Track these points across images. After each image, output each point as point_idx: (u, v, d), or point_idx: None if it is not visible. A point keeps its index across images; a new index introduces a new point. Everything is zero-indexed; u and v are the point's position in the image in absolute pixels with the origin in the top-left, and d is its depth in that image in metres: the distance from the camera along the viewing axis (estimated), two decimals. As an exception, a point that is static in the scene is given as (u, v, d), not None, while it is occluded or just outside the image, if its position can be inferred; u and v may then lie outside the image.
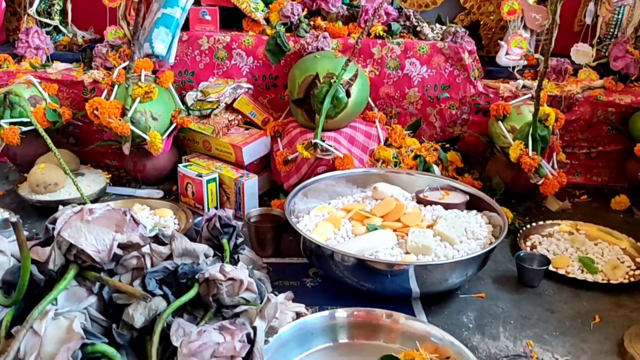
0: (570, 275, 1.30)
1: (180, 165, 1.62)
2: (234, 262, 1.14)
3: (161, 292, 0.90)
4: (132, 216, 0.96)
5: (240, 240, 1.16)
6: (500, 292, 1.25)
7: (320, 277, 1.29)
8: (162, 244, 0.97)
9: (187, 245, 0.95)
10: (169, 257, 0.94)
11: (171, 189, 1.71)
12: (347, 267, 1.14)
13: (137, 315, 0.86)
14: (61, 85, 1.79)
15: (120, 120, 1.54)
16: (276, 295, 1.11)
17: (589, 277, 1.29)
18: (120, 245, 0.92)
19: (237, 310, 0.92)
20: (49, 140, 1.43)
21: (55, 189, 1.54)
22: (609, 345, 1.08)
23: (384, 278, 1.13)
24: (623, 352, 1.05)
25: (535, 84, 1.52)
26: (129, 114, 1.55)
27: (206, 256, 1.04)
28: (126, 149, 1.56)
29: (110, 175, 1.73)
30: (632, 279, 1.29)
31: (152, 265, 0.93)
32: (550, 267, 1.30)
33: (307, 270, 1.32)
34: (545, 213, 1.64)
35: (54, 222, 0.91)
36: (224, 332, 0.84)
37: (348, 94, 1.55)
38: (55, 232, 0.88)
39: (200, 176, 1.54)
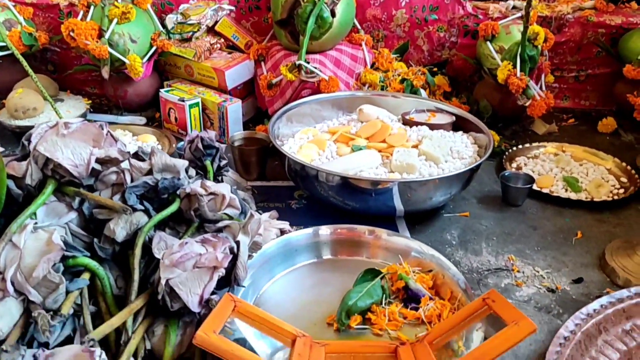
0: (554, 194, 1.30)
1: (162, 90, 1.58)
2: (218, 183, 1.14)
3: (142, 207, 0.89)
4: (109, 132, 0.94)
5: (223, 162, 1.15)
6: (484, 211, 1.26)
7: (306, 199, 1.29)
8: (142, 160, 0.95)
9: (167, 160, 0.93)
10: (149, 172, 0.93)
11: (154, 116, 1.68)
12: (331, 187, 1.14)
13: (119, 229, 0.86)
14: (36, 9, 1.73)
15: (97, 42, 1.49)
16: (260, 214, 1.11)
17: (573, 196, 1.30)
18: (98, 160, 0.91)
19: (220, 225, 0.92)
20: (25, 64, 1.38)
21: (34, 114, 1.50)
22: (590, 258, 1.10)
23: (368, 197, 1.13)
24: (604, 265, 1.07)
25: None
26: (106, 36, 1.50)
27: (188, 174, 1.03)
28: (105, 72, 1.52)
29: (90, 102, 1.70)
30: (615, 197, 1.30)
31: (132, 181, 0.92)
32: (535, 187, 1.31)
33: (293, 193, 1.32)
34: (531, 136, 1.63)
35: (29, 138, 0.89)
36: (206, 244, 0.83)
37: (333, 14, 1.50)
38: (31, 147, 0.86)
39: (183, 101, 1.51)
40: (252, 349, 0.82)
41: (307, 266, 1.02)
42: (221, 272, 0.81)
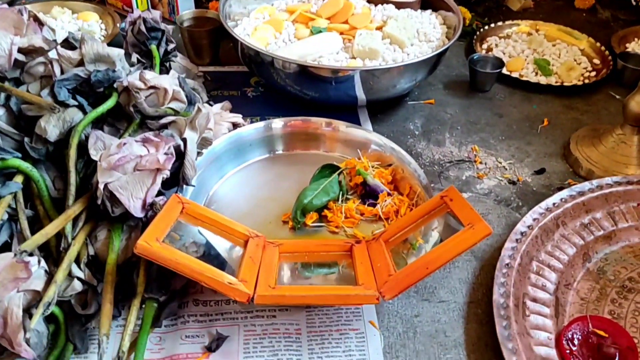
0: (524, 79, 1.25)
1: (101, -39, 1.42)
2: (166, 70, 1.05)
3: (75, 103, 0.81)
4: (34, 16, 0.84)
5: (171, 46, 1.06)
6: (451, 97, 1.21)
7: (263, 87, 1.22)
8: (73, 48, 0.86)
9: (100, 49, 0.84)
10: (81, 63, 0.84)
11: (96, -9, 1.53)
12: (288, 75, 1.06)
13: (50, 127, 0.79)
14: None
15: None
16: (212, 106, 1.04)
17: (543, 80, 1.25)
18: (22, 51, 0.82)
19: (164, 121, 0.85)
20: None
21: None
22: (554, 148, 1.08)
23: (328, 85, 1.06)
24: (567, 154, 1.05)
25: None
26: None
27: (131, 62, 0.94)
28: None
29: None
30: (586, 81, 1.25)
31: (63, 73, 0.83)
32: (504, 70, 1.25)
33: (249, 80, 1.24)
34: (506, 13, 1.55)
35: (-62, 24, 0.78)
36: (148, 145, 0.78)
37: None
38: (-61, 36, 0.76)
39: (125, -26, 1.36)
40: (210, 245, 0.79)
41: (260, 162, 0.98)
42: (165, 174, 0.77)
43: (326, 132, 1.00)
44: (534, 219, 0.86)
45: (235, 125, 0.99)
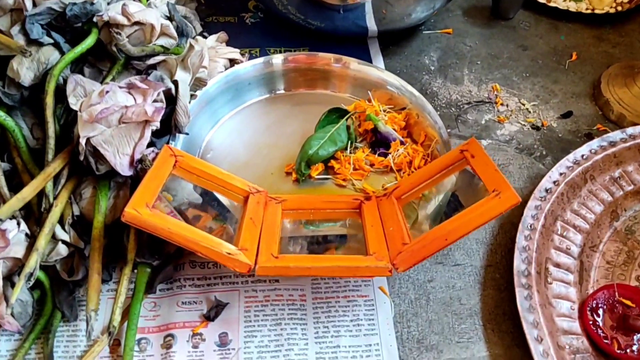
0: (552, 4, 1.14)
1: None
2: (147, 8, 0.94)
3: (50, 40, 0.72)
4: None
5: (159, -34, 0.94)
6: (470, 26, 1.10)
7: (262, 12, 1.11)
8: (45, -24, 0.76)
9: (75, -22, 0.74)
10: (55, -6, 0.74)
11: None
12: (290, 1, 0.95)
13: (24, 70, 0.70)
14: None
15: None
16: (206, 37, 0.94)
17: (572, 6, 1.13)
18: (-15, -20, 0.71)
19: (152, 61, 0.76)
20: None
21: None
22: (583, 86, 0.99)
23: (336, 14, 0.95)
24: (597, 95, 0.97)
25: None
26: None
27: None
28: None
29: None
30: (619, 8, 1.14)
31: (35, 6, 0.73)
32: (530, -5, 1.14)
33: (247, 3, 1.13)
34: None
35: None
36: (134, 92, 0.69)
37: None
38: None
39: None
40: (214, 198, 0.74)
41: (260, 104, 0.90)
42: (155, 125, 0.69)
43: (335, 69, 0.91)
44: (561, 174, 0.79)
45: (232, 62, 0.89)
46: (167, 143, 0.75)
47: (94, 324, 0.60)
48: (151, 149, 0.71)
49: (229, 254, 0.61)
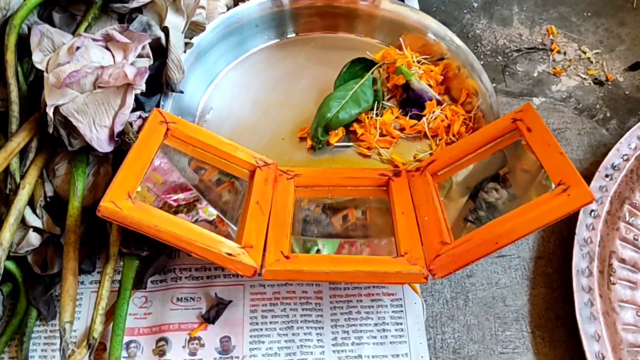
0: None
1: None
2: None
3: (9, -20, 0.59)
4: None
5: None
6: (521, -49, 0.93)
7: None
8: None
9: None
10: None
11: None
12: None
13: (-22, 18, 0.58)
14: None
15: None
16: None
17: None
18: None
19: (137, 3, 0.63)
20: None
21: None
22: (654, 29, 0.84)
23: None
24: (672, 41, 0.82)
25: None
26: None
27: None
28: None
29: None
30: None
31: None
32: None
33: None
34: None
35: None
36: (112, 47, 0.57)
37: None
38: None
39: None
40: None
41: (267, 52, 0.76)
42: (139, 89, 0.57)
43: (361, 8, 0.77)
44: (631, 147, 0.66)
45: (236, 2, 0.75)
46: (157, 105, 0.64)
47: (69, 337, 0.51)
48: (137, 113, 0.60)
49: (230, 254, 0.51)
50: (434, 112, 0.69)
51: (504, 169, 0.61)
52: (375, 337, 0.58)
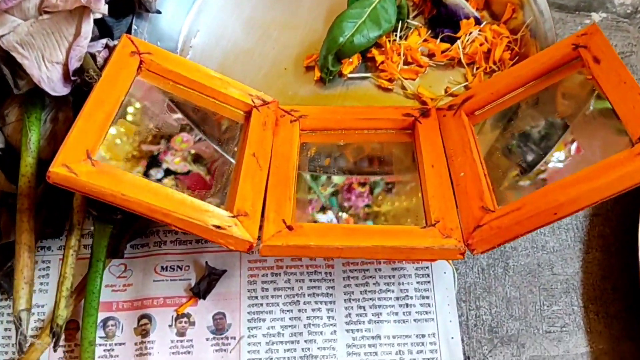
0: None
1: None
2: None
3: None
4: None
5: None
6: None
7: None
8: None
9: None
10: None
11: None
12: None
13: None
14: None
15: None
16: None
17: None
18: None
19: None
20: None
21: None
22: None
23: None
24: None
25: None
26: None
27: None
28: None
29: None
30: None
31: None
32: None
33: None
34: None
35: None
36: (60, -43, 0.44)
37: None
38: None
39: None
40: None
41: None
42: (99, 12, 0.45)
43: None
44: None
45: None
46: (129, 30, 0.52)
47: (27, 327, 0.43)
48: (102, 41, 0.48)
49: (218, 227, 0.41)
50: (470, 33, 0.57)
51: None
52: (396, 314, 0.49)
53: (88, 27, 0.44)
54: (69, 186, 0.39)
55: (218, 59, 0.57)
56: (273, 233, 0.43)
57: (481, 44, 0.57)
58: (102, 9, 0.44)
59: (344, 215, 0.48)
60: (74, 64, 0.44)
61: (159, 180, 0.47)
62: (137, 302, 0.50)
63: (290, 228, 0.43)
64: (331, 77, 0.57)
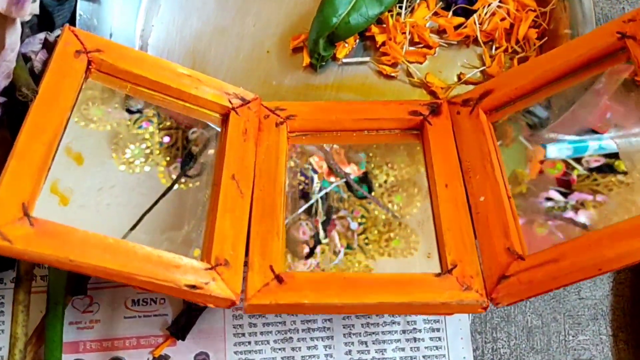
0: None
1: None
2: None
3: None
4: None
5: None
6: None
7: None
8: None
9: None
10: None
11: None
12: None
13: None
14: None
15: None
16: None
17: None
18: None
19: None
20: None
21: None
22: None
23: None
24: None
25: None
26: None
27: None
28: None
29: None
30: None
31: None
32: None
33: None
34: None
35: None
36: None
37: None
38: None
39: None
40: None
41: None
42: (27, 16, 0.35)
43: None
44: None
45: None
46: (72, 19, 0.42)
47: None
48: (41, 36, 0.39)
49: (193, 287, 0.34)
50: (489, 4, 0.48)
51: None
52: (403, 350, 0.44)
53: (14, 37, 0.34)
54: (4, 255, 0.32)
55: (188, 42, 0.48)
56: (259, 287, 0.36)
57: (502, 19, 0.48)
58: (30, 10, 0.34)
59: (341, 251, 0.41)
60: (1, 83, 0.35)
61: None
62: (106, 342, 0.44)
63: (279, 279, 0.36)
64: (323, 63, 0.48)
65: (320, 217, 0.42)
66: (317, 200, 0.43)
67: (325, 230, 0.41)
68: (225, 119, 0.44)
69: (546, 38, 0.47)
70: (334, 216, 0.42)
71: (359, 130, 0.45)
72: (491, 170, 0.40)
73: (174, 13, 0.49)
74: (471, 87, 0.48)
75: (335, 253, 0.40)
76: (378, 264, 0.40)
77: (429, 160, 0.43)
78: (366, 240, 0.41)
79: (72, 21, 0.43)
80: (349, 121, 0.45)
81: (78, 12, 0.42)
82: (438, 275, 0.36)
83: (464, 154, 0.42)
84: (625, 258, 0.32)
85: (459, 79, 0.48)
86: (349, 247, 0.41)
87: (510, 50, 0.48)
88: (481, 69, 0.48)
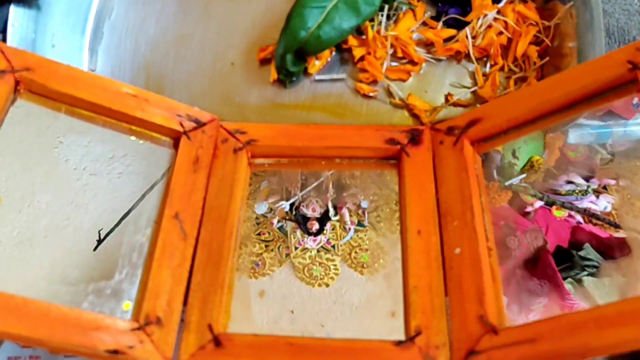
0: None
1: None
2: None
3: None
4: None
5: None
6: None
7: None
8: None
9: None
10: None
11: None
12: None
13: None
14: None
15: None
16: None
17: None
18: None
19: None
20: None
21: None
22: None
23: None
24: None
25: None
26: None
27: None
28: None
29: None
30: None
31: None
32: None
33: None
34: None
35: None
36: None
37: None
38: None
39: None
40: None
41: None
42: None
43: None
44: None
45: None
46: (3, 30, 0.38)
47: None
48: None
49: (115, 351, 0.31)
50: (485, 16, 0.42)
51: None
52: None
53: None
54: None
55: (143, 50, 0.43)
56: (193, 350, 0.32)
57: (499, 33, 0.42)
58: None
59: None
60: None
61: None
62: (45, 383, 0.41)
63: (217, 341, 0.32)
64: (293, 79, 0.43)
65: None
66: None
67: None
68: (176, 143, 0.39)
69: (548, 57, 0.41)
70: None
71: (329, 158, 0.40)
72: (470, 218, 0.35)
73: (129, 17, 0.44)
74: (460, 109, 0.43)
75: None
76: (335, 321, 0.35)
77: (402, 200, 0.38)
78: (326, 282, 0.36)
79: (4, 32, 0.38)
80: (317, 148, 0.40)
81: (11, 23, 0.38)
82: (399, 343, 0.32)
83: (443, 194, 0.37)
84: (611, 349, 0.27)
85: (447, 100, 0.42)
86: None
87: (506, 69, 0.42)
88: (472, 89, 0.42)
